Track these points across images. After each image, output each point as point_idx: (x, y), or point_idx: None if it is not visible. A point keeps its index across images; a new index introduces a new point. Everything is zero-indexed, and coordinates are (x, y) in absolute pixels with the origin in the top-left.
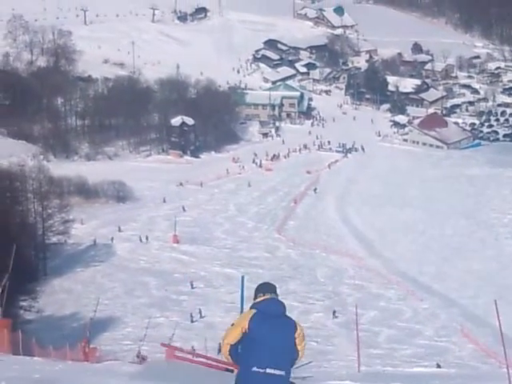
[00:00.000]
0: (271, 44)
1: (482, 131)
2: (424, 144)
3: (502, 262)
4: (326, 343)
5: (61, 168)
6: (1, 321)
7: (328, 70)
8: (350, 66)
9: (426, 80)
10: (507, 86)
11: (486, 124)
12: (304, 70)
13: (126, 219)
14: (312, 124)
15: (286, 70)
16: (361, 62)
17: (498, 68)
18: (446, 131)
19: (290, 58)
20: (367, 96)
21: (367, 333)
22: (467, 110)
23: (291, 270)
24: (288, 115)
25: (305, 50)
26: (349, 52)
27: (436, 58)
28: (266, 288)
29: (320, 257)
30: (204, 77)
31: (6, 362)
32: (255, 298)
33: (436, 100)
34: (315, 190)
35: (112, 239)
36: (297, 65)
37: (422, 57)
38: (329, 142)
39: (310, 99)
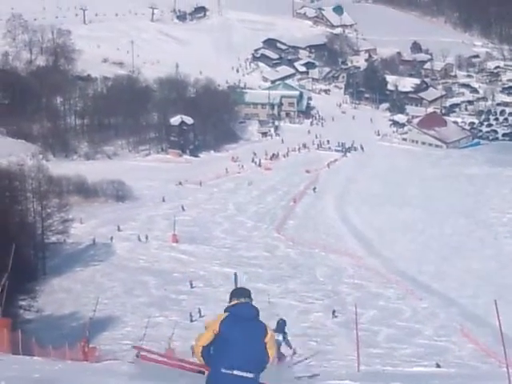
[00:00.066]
0: (270, 43)
1: (481, 130)
2: (423, 143)
3: (502, 261)
4: (325, 343)
5: (60, 167)
6: (0, 320)
7: (327, 70)
8: (349, 65)
9: (425, 79)
10: (506, 85)
11: (486, 123)
12: (303, 69)
13: (125, 218)
14: (311, 123)
15: (285, 70)
16: (360, 62)
17: (498, 67)
18: (446, 130)
19: (289, 58)
20: (366, 95)
21: (367, 332)
22: (466, 109)
23: (290, 270)
24: (287, 114)
25: (304, 49)
26: (348, 51)
27: (435, 57)
28: (239, 292)
29: (319, 256)
30: (203, 76)
31: (5, 361)
32: (230, 301)
33: (435, 99)
34: (314, 189)
35: (111, 238)
36: (296, 64)
37: (421, 56)
38: (328, 142)
39: (310, 98)
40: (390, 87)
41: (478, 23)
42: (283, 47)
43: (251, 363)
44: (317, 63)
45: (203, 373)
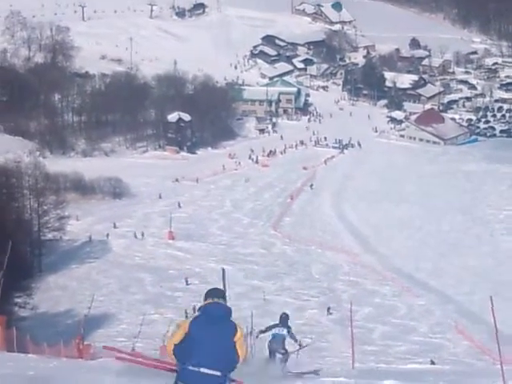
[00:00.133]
0: (269, 40)
1: (478, 127)
2: (421, 140)
3: (498, 258)
4: (320, 340)
5: (57, 164)
6: None
7: (325, 66)
8: (348, 61)
9: (424, 76)
10: (504, 82)
11: (483, 120)
12: (301, 65)
13: (121, 215)
14: (309, 120)
15: (283, 66)
16: (358, 58)
17: (496, 63)
18: (443, 127)
19: (287, 54)
20: (364, 92)
21: (362, 329)
22: (464, 106)
23: (286, 267)
24: (285, 111)
25: (302, 45)
26: (346, 48)
27: (433, 53)
28: (213, 293)
29: (315, 253)
30: (201, 73)
31: (0, 359)
32: (204, 301)
33: (433, 96)
34: (311, 186)
35: (107, 236)
36: (294, 61)
37: (420, 52)
38: (325, 138)
39: (307, 95)
40: (388, 84)
41: (477, 20)
42: (282, 44)
43: (218, 361)
44: (315, 60)
45: (177, 371)
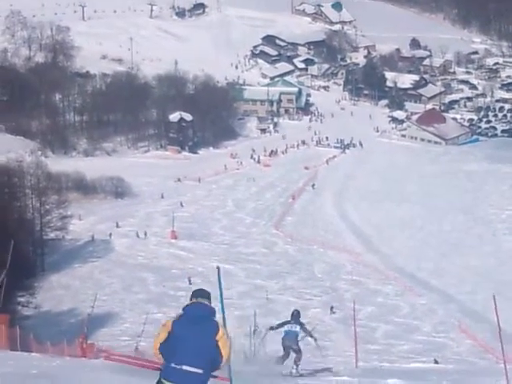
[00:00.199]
0: (269, 40)
1: (480, 127)
2: (422, 140)
3: (500, 257)
4: (323, 339)
5: (59, 164)
6: None
7: (326, 66)
8: (348, 61)
9: (424, 76)
10: (505, 82)
11: (484, 120)
12: (302, 65)
13: (123, 215)
14: (310, 120)
15: (284, 66)
16: (359, 58)
17: (496, 63)
18: (444, 127)
19: (288, 54)
20: (365, 92)
21: (365, 328)
22: (465, 106)
23: (289, 266)
24: (286, 111)
25: (303, 45)
26: (347, 48)
27: (434, 53)
28: (197, 293)
29: (318, 252)
30: (202, 73)
31: (3, 357)
32: (190, 301)
33: (434, 96)
34: (313, 185)
35: (110, 235)
36: (295, 61)
37: (420, 52)
38: (327, 138)
39: (308, 95)
40: (388, 84)
41: (477, 20)
42: (282, 44)
43: (201, 360)
44: (316, 60)
45: (161, 369)
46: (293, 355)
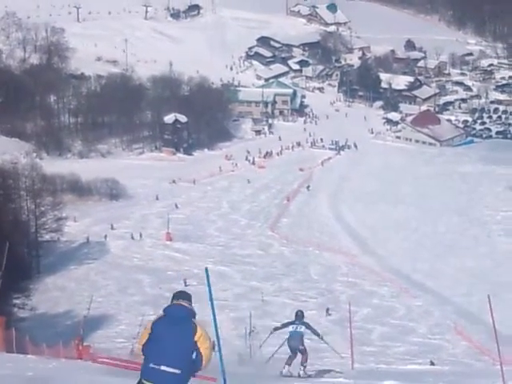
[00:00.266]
0: (264, 41)
1: (474, 128)
2: (417, 141)
3: (495, 259)
4: (319, 341)
5: (54, 166)
6: None
7: (321, 68)
8: (343, 63)
9: (419, 77)
10: (500, 83)
11: (479, 121)
12: (297, 67)
13: (118, 217)
14: (305, 121)
15: (278, 68)
16: (353, 59)
17: (491, 65)
18: (439, 128)
19: (282, 56)
20: (360, 93)
21: (360, 330)
22: (460, 107)
23: (284, 268)
24: (281, 112)
25: (298, 47)
26: (342, 49)
27: (429, 55)
28: (177, 295)
29: (313, 254)
30: (197, 74)
31: None
32: (171, 302)
33: (429, 97)
34: (308, 187)
35: (105, 237)
36: (289, 62)
37: (415, 54)
38: (321, 140)
39: (303, 96)
40: (383, 85)
41: (472, 21)
42: (277, 45)
43: (179, 360)
44: (310, 61)
45: (141, 370)
46: (300, 357)
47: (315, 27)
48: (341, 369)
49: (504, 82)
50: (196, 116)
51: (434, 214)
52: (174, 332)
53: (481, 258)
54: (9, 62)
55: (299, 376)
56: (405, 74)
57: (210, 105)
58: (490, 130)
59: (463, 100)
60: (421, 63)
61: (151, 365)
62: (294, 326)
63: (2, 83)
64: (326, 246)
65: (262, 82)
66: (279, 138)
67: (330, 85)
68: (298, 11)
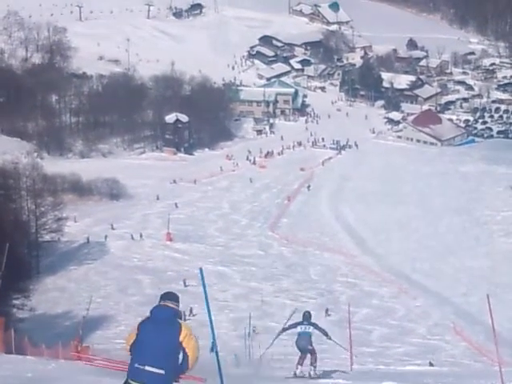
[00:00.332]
0: (266, 40)
1: (476, 128)
2: (418, 141)
3: (496, 259)
4: (318, 341)
5: (55, 165)
6: None
7: (323, 67)
8: (345, 62)
9: (421, 76)
10: (502, 83)
11: (481, 121)
12: (299, 66)
13: (119, 217)
14: (306, 121)
15: (280, 67)
16: (355, 59)
17: (493, 64)
18: (441, 128)
19: (284, 55)
20: (362, 92)
21: (360, 331)
22: (461, 107)
23: (284, 268)
24: (282, 112)
25: (300, 46)
26: (344, 48)
27: (431, 54)
28: (164, 296)
29: (313, 254)
30: (199, 73)
31: None
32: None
33: (430, 96)
34: (309, 187)
35: (105, 237)
36: (291, 61)
37: (417, 53)
38: (323, 139)
39: (305, 96)
40: (385, 84)
41: (474, 20)
42: (279, 44)
43: (163, 361)
44: (312, 60)
45: (128, 370)
46: (310, 358)
47: (317, 26)
48: (341, 369)
49: (506, 81)
50: (197, 115)
51: (435, 213)
52: (159, 332)
53: (481, 258)
54: (11, 61)
55: (310, 376)
56: (406, 73)
57: (211, 104)
58: (491, 129)
59: (465, 99)
60: (423, 62)
61: (136, 365)
62: (303, 326)
63: (3, 82)
64: (326, 246)
65: (263, 82)
66: (281, 137)
67: (331, 84)
68: (301, 10)
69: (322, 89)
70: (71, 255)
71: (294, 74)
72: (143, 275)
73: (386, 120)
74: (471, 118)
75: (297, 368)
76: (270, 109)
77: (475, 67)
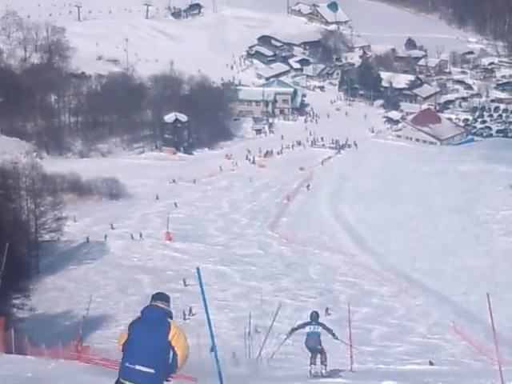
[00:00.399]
0: (265, 40)
1: (475, 127)
2: (417, 140)
3: (495, 258)
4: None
5: (54, 165)
6: None
7: (322, 66)
8: (344, 61)
9: (420, 76)
10: (500, 82)
11: (480, 120)
12: (297, 66)
13: (118, 216)
14: (305, 120)
15: (279, 66)
16: (354, 58)
17: (492, 63)
18: (440, 127)
19: (283, 54)
20: (361, 92)
21: (360, 330)
22: (460, 106)
23: (284, 267)
24: (281, 111)
25: (298, 46)
26: (342, 48)
27: (430, 53)
28: (155, 297)
29: (313, 254)
30: (198, 73)
31: None
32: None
33: (429, 96)
34: (308, 186)
35: (105, 237)
36: (290, 61)
37: (416, 52)
38: (322, 139)
39: (304, 95)
40: (384, 84)
41: (473, 20)
42: (278, 44)
43: (153, 360)
44: (311, 60)
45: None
46: (320, 358)
47: (316, 26)
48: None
49: (505, 80)
50: (196, 115)
51: (435, 212)
52: (148, 332)
53: (481, 258)
54: (9, 61)
55: (322, 375)
56: (405, 72)
57: (210, 104)
58: (490, 128)
59: (464, 98)
60: (421, 62)
61: (127, 364)
62: (311, 326)
63: (2, 83)
64: (326, 245)
65: (262, 81)
66: (282, 136)
67: (330, 83)
68: (299, 10)
69: (321, 88)
70: (71, 255)
71: (293, 73)
72: (143, 275)
73: (385, 119)
74: (470, 117)
75: (311, 367)
76: (269, 108)
77: (474, 66)
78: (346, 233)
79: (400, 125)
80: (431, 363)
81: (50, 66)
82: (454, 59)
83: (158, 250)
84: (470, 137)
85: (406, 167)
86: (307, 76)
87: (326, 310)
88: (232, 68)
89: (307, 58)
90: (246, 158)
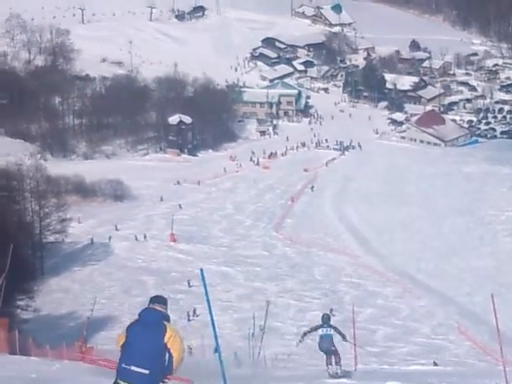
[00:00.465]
0: (269, 42)
1: (479, 128)
2: (421, 141)
3: (500, 259)
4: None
5: (58, 167)
6: None
7: (326, 68)
8: (348, 63)
9: (424, 77)
10: (505, 83)
11: (484, 121)
12: (302, 67)
13: (123, 218)
14: (310, 122)
15: (283, 68)
16: (358, 60)
17: (496, 65)
18: (444, 128)
19: (287, 56)
20: (365, 94)
21: (364, 331)
22: (465, 108)
23: (288, 269)
24: (285, 113)
25: (302, 48)
26: (346, 50)
27: (434, 55)
28: (153, 300)
29: (317, 255)
30: (202, 75)
31: (2, 361)
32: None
33: (434, 97)
34: (312, 187)
35: (109, 238)
36: (294, 63)
37: (420, 54)
38: (326, 140)
39: (308, 97)
40: (388, 86)
41: (477, 21)
42: (282, 46)
43: (149, 361)
44: (315, 62)
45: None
46: (335, 359)
47: (320, 28)
48: (344, 370)
49: (509, 82)
50: (201, 117)
51: (439, 214)
52: (145, 334)
53: (485, 258)
54: (14, 63)
55: (338, 375)
56: (409, 74)
57: (214, 106)
58: (494, 130)
59: (468, 100)
60: (426, 63)
61: (123, 365)
62: (324, 329)
63: (6, 85)
64: (330, 246)
65: (266, 83)
66: (287, 138)
67: (334, 85)
68: (303, 12)
69: (326, 90)
70: (75, 256)
71: (297, 75)
72: (147, 276)
73: (389, 121)
74: (474, 119)
75: (328, 368)
76: (274, 110)
77: (478, 68)
78: (351, 234)
79: (404, 126)
80: (435, 364)
81: (54, 68)
82: (458, 61)
83: (162, 251)
84: (474, 138)
85: (410, 168)
86: (311, 78)
87: (331, 310)
88: (236, 70)
89: (311, 59)
90: (251, 159)
